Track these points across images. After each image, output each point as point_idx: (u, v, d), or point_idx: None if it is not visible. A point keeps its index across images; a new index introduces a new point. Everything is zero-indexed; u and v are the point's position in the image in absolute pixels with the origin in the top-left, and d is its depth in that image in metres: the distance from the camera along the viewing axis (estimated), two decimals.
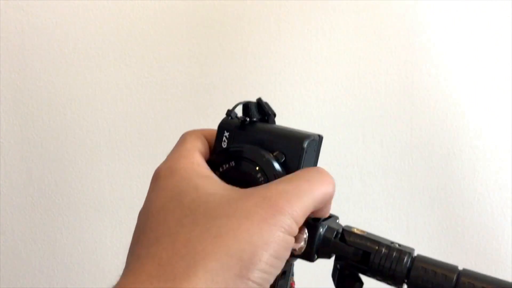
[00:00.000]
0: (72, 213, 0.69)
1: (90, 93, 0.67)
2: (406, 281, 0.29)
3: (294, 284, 0.32)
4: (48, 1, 0.65)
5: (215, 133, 0.33)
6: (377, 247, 0.30)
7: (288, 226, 0.26)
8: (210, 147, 0.34)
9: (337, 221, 0.32)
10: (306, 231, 0.29)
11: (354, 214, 0.70)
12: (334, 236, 0.30)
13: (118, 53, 0.67)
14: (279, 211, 0.26)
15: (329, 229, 0.30)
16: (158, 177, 0.33)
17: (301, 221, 0.27)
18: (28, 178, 0.67)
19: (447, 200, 0.71)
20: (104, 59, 0.67)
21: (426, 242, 0.70)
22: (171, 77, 0.68)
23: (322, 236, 0.30)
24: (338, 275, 0.31)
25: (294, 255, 0.30)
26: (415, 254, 0.30)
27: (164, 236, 0.28)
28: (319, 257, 0.30)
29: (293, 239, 0.27)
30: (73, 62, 0.66)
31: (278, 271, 0.26)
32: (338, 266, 0.31)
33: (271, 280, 0.26)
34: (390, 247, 0.30)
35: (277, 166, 0.30)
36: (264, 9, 0.67)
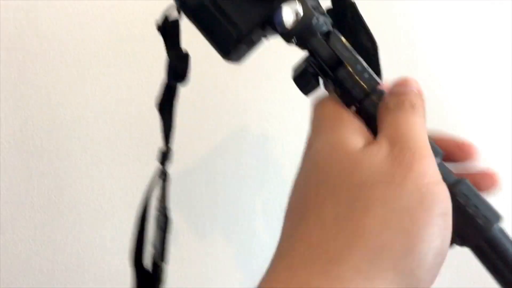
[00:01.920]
0: (72, 213, 0.68)
1: (90, 93, 0.67)
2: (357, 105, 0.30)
3: None
4: (48, 1, 0.65)
5: None
6: (352, 63, 0.31)
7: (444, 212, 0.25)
8: None
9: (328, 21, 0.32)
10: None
11: None
12: (320, 33, 0.31)
13: (118, 53, 0.67)
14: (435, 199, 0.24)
15: (320, 24, 0.31)
16: (308, 140, 0.31)
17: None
18: (28, 178, 0.67)
19: None
20: (105, 59, 0.67)
21: None
22: None
23: (310, 26, 0.31)
24: (301, 70, 0.33)
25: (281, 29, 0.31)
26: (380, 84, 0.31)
27: (310, 212, 0.26)
28: (297, 42, 0.32)
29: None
30: (73, 62, 0.66)
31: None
32: (306, 62, 0.33)
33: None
34: (364, 68, 0.31)
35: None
36: None
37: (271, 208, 0.72)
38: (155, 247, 0.42)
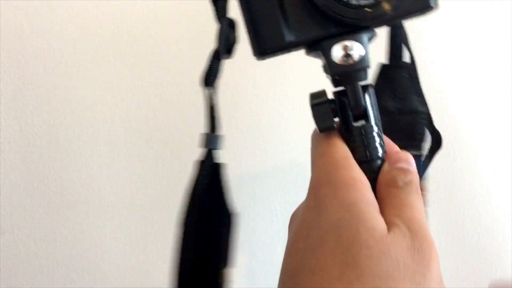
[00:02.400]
0: (72, 213, 0.68)
1: (90, 93, 0.67)
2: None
3: None
4: (48, 1, 0.65)
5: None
6: (378, 123, 0.30)
7: None
8: None
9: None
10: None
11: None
12: (360, 81, 0.30)
13: (118, 53, 0.67)
14: None
15: (365, 75, 0.30)
16: (316, 191, 0.28)
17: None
18: (28, 178, 0.67)
19: (447, 200, 0.71)
20: (104, 59, 0.67)
21: None
22: (171, 77, 0.68)
23: (357, 72, 0.30)
24: (324, 101, 0.31)
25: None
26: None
27: (315, 274, 0.25)
28: (333, 77, 0.31)
29: None
30: (73, 62, 0.66)
31: None
32: (334, 97, 0.31)
33: None
34: (381, 132, 0.30)
35: None
36: None
37: (271, 208, 0.72)
38: (215, 250, 0.36)
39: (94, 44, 0.66)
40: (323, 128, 0.31)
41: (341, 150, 0.29)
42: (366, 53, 0.30)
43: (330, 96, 0.32)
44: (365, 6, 0.28)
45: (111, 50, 0.67)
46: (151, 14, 0.67)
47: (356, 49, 0.29)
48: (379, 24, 0.30)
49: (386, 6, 0.29)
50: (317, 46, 0.31)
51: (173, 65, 0.68)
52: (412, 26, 0.71)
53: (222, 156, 0.71)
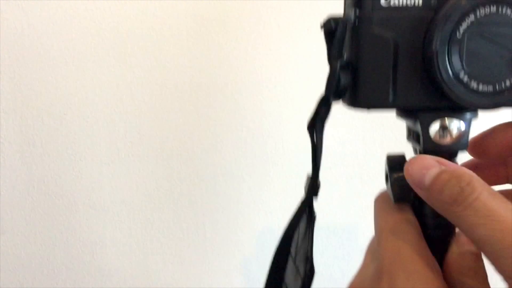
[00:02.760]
0: (72, 213, 0.69)
1: (90, 93, 0.67)
2: None
3: None
4: (48, 1, 0.64)
5: None
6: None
7: None
8: None
9: None
10: None
11: (354, 214, 0.70)
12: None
13: (118, 53, 0.67)
14: None
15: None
16: (390, 277, 0.26)
17: None
18: (28, 178, 0.67)
19: None
20: (104, 59, 0.67)
21: None
22: (171, 77, 0.68)
23: (452, 151, 0.28)
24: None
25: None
26: None
27: None
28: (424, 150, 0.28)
29: None
30: (73, 62, 0.66)
31: None
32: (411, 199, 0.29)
33: None
34: None
35: None
36: (265, 9, 0.67)
37: (271, 208, 0.72)
38: None
39: (94, 44, 0.66)
40: (400, 199, 0.29)
41: (416, 229, 0.27)
42: (467, 135, 0.28)
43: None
44: (484, 93, 0.27)
45: (111, 50, 0.67)
46: (151, 14, 0.67)
47: (457, 129, 0.28)
48: (491, 109, 0.28)
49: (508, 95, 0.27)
50: (417, 114, 0.28)
51: (173, 65, 0.68)
52: None
53: (222, 156, 0.71)
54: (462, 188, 0.23)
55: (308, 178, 0.32)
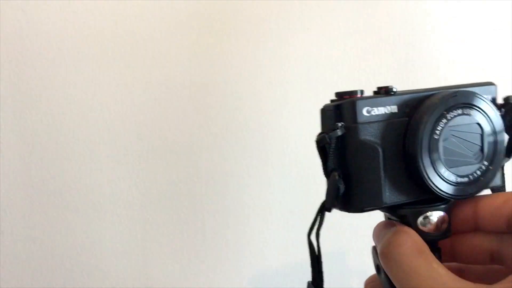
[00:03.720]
0: (72, 213, 0.68)
1: (90, 93, 0.67)
2: None
3: None
4: (48, 1, 0.64)
5: None
6: None
7: None
8: None
9: None
10: None
11: (354, 214, 0.70)
12: None
13: (118, 53, 0.67)
14: None
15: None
16: None
17: None
18: (28, 178, 0.67)
19: None
20: (104, 59, 0.67)
21: None
22: (171, 77, 0.68)
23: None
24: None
25: None
26: None
27: None
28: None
29: None
30: (73, 62, 0.66)
31: None
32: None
33: None
34: None
35: None
36: (265, 9, 0.67)
37: (271, 208, 0.72)
38: None
39: (94, 44, 0.66)
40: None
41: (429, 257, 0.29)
42: (450, 223, 0.31)
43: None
44: (462, 183, 0.30)
45: (111, 50, 0.67)
46: (151, 14, 0.67)
47: (441, 219, 0.31)
48: (468, 197, 0.31)
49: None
50: (402, 209, 0.31)
51: (173, 65, 0.68)
52: (414, 26, 0.71)
53: (222, 156, 0.71)
54: None
55: (309, 285, 0.34)
